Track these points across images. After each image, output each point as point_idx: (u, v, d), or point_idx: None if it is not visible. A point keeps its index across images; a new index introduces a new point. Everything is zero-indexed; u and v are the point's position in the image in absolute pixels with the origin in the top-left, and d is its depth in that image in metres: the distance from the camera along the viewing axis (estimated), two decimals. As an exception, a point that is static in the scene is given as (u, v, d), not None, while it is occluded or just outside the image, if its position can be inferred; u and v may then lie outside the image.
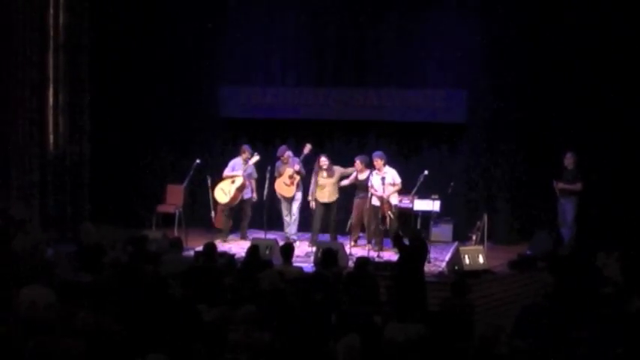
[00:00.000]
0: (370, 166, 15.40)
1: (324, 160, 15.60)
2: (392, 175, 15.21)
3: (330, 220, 15.83)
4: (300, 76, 17.67)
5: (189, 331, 7.43)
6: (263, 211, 16.07)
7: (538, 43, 16.09)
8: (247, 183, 16.14)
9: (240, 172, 15.99)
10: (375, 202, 15.16)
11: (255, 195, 16.38)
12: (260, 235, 15.91)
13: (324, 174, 15.58)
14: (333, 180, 15.64)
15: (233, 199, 16.08)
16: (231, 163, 16.25)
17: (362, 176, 15.49)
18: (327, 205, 15.79)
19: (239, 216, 16.49)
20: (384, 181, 14.99)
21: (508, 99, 16.44)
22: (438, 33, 16.83)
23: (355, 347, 6.62)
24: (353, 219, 15.55)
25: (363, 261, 11.81)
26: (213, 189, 16.15)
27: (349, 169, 15.66)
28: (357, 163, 15.47)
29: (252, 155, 16.05)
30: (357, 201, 15.66)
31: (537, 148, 16.25)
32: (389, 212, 14.93)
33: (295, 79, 17.69)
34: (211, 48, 17.83)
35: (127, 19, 17.86)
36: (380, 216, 15.00)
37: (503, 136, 16.61)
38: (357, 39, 17.12)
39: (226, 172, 16.14)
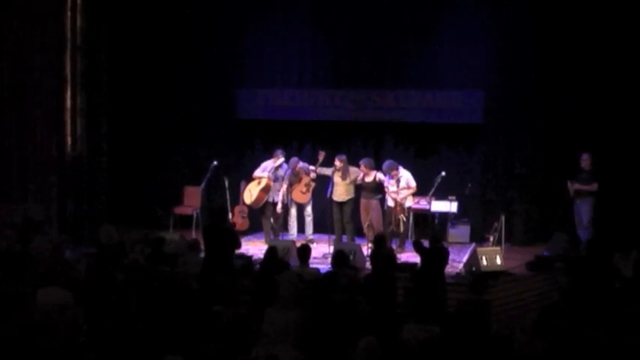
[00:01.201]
0: (375, 168, 15.49)
1: (337, 162, 15.65)
2: (406, 177, 15.26)
3: (344, 220, 15.83)
4: (317, 77, 17.66)
5: (206, 332, 7.44)
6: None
7: (554, 44, 16.04)
8: (277, 186, 16.15)
9: (266, 174, 16.02)
10: (390, 203, 15.18)
11: (286, 199, 16.29)
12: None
13: (339, 174, 15.61)
14: (347, 181, 15.66)
15: (257, 200, 16.12)
16: (263, 164, 16.33)
17: (368, 179, 15.53)
18: (340, 205, 15.81)
19: (268, 219, 16.43)
20: (398, 184, 15.02)
21: (524, 100, 16.39)
22: (454, 34, 16.81)
23: (374, 349, 6.62)
24: (368, 221, 15.54)
25: (380, 237, 12.16)
26: (231, 190, 16.21)
27: (360, 174, 15.67)
28: (362, 167, 15.51)
29: (279, 161, 16.17)
30: (363, 202, 15.70)
31: (554, 148, 16.20)
32: (401, 215, 14.94)
33: (312, 81, 17.68)
34: (228, 50, 17.84)
35: (144, 21, 17.92)
36: (392, 218, 15.02)
37: (519, 137, 16.57)
38: (374, 40, 17.10)
39: (256, 172, 16.22)
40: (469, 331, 8.31)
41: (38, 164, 16.32)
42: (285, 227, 16.44)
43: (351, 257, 13.36)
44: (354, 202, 15.84)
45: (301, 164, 16.04)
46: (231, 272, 11.09)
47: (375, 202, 15.35)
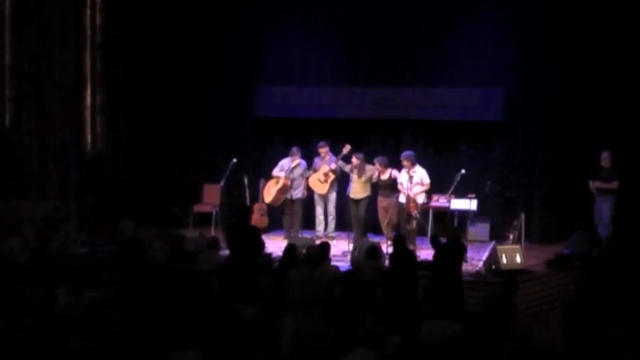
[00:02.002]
0: (391, 165, 15.51)
1: (354, 159, 15.69)
2: (421, 174, 15.25)
3: (360, 217, 15.84)
4: (336, 75, 17.64)
5: (226, 328, 7.43)
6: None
7: (574, 41, 15.97)
8: (296, 184, 16.21)
9: (283, 174, 16.06)
10: (402, 199, 15.19)
11: (305, 193, 16.44)
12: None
13: (355, 171, 15.62)
14: (362, 179, 15.67)
15: (275, 199, 16.25)
16: (281, 162, 16.38)
17: (383, 177, 15.56)
18: (356, 202, 15.82)
19: (290, 215, 16.49)
20: (411, 180, 15.01)
21: (544, 97, 16.34)
22: (473, 31, 16.78)
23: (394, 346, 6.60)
24: (388, 219, 15.53)
25: (400, 237, 12.24)
26: (250, 188, 16.24)
27: (376, 172, 15.69)
28: (377, 164, 15.55)
29: (297, 159, 16.21)
30: (381, 200, 15.71)
31: (574, 146, 16.13)
32: (414, 211, 14.93)
33: (331, 79, 17.68)
34: (248, 48, 17.83)
35: (164, 19, 17.93)
36: (405, 214, 15.03)
37: (539, 134, 16.51)
38: (393, 38, 17.06)
39: (274, 171, 16.27)
40: (493, 330, 8.29)
41: (58, 162, 16.37)
42: (308, 224, 16.55)
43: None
44: (371, 200, 15.85)
45: (328, 150, 16.16)
46: (253, 270, 11.09)
47: (394, 201, 15.33)
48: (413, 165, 15.20)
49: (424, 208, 15.68)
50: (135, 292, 8.73)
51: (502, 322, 8.68)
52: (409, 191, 15.00)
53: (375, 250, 12.28)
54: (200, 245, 12.83)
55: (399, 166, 15.40)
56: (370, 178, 15.64)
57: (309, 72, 17.79)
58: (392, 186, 15.43)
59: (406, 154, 15.34)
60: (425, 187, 15.29)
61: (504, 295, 10.20)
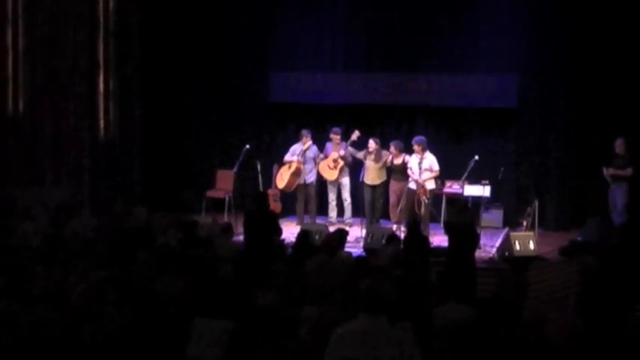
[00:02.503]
0: (405, 151, 15.52)
1: (371, 144, 15.65)
2: (430, 160, 15.22)
3: (376, 203, 15.84)
4: (350, 61, 17.62)
5: (241, 314, 7.43)
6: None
7: (589, 27, 15.90)
8: (308, 167, 16.20)
9: (296, 158, 16.04)
10: (412, 185, 15.21)
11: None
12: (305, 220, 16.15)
13: (372, 157, 15.60)
14: (379, 164, 15.67)
15: (288, 184, 16.19)
16: (292, 148, 16.35)
17: (397, 161, 15.58)
18: (372, 188, 15.82)
19: (304, 201, 16.50)
20: (420, 166, 15.02)
21: (558, 84, 16.31)
22: (488, 17, 16.75)
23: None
24: (401, 205, 15.54)
25: (414, 222, 12.26)
26: (263, 174, 16.25)
27: (389, 156, 15.69)
28: (392, 148, 15.56)
29: (307, 142, 16.19)
30: (393, 184, 15.72)
31: (588, 133, 16.08)
32: (424, 197, 14.94)
33: (345, 65, 17.66)
34: (261, 33, 17.80)
35: (176, 4, 17.92)
36: (416, 200, 15.03)
37: (553, 121, 16.49)
38: (407, 24, 17.05)
39: (286, 157, 16.26)
40: (505, 315, 8.27)
41: (71, 148, 16.41)
42: (321, 210, 16.60)
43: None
44: (386, 185, 15.84)
45: (342, 142, 16.12)
46: (269, 257, 11.10)
47: (405, 186, 15.35)
48: (423, 151, 15.19)
49: (437, 195, 15.70)
50: (144, 283, 8.72)
51: (514, 306, 8.66)
52: (419, 177, 15.02)
53: (395, 236, 12.36)
54: (213, 231, 12.81)
55: (410, 152, 15.39)
56: (385, 163, 15.65)
57: (322, 58, 17.77)
58: (404, 171, 15.44)
59: (418, 139, 15.34)
60: (434, 174, 15.26)
61: (515, 276, 10.28)
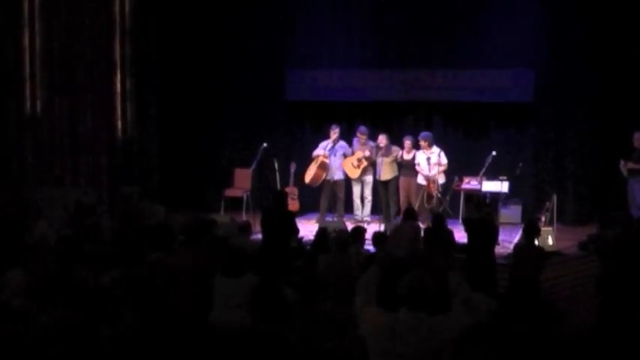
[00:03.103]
0: (417, 146, 15.60)
1: (381, 139, 15.75)
2: (438, 155, 15.30)
3: (389, 200, 15.87)
4: (366, 58, 17.55)
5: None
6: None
7: (605, 20, 15.82)
8: (337, 163, 16.16)
9: (322, 152, 16.04)
10: (421, 180, 15.31)
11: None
12: (329, 218, 16.09)
13: (382, 152, 15.69)
14: (389, 159, 15.78)
15: (315, 178, 16.13)
16: (321, 144, 16.32)
17: (408, 156, 15.69)
18: (384, 184, 15.96)
19: (331, 198, 16.38)
20: (429, 161, 15.11)
21: (576, 78, 16.23)
22: (503, 11, 16.66)
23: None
24: (402, 199, 15.62)
25: (438, 216, 12.25)
26: (281, 172, 16.28)
27: (400, 152, 15.83)
28: (407, 143, 15.66)
29: (336, 136, 16.17)
30: (403, 180, 15.86)
31: (606, 127, 16.01)
32: (435, 192, 14.96)
33: (360, 62, 17.58)
34: (277, 31, 17.79)
35: (192, 3, 17.92)
36: (425, 194, 15.06)
37: (571, 116, 16.41)
38: (422, 19, 16.98)
39: (315, 152, 16.25)
40: (520, 313, 8.26)
41: (89, 148, 16.47)
42: (346, 208, 16.59)
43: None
44: (397, 180, 15.93)
45: (369, 142, 16.13)
46: (288, 254, 11.11)
47: (414, 181, 15.44)
48: (430, 146, 15.37)
49: (455, 191, 15.72)
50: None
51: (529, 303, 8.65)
52: (429, 172, 15.05)
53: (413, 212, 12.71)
54: (231, 230, 12.81)
55: (418, 148, 15.48)
56: (395, 158, 15.73)
57: (338, 55, 17.72)
58: (413, 167, 15.56)
59: (424, 135, 15.52)
60: (443, 167, 15.42)
61: (527, 241, 10.94)
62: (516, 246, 11.88)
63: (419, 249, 11.03)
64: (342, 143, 16.25)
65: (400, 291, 6.00)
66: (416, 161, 15.48)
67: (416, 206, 14.85)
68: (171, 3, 17.78)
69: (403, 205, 15.47)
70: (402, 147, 15.83)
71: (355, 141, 16.26)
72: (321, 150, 16.14)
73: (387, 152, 15.74)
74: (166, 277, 8.36)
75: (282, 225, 11.67)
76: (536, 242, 11.90)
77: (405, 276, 6.10)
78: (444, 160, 15.37)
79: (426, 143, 15.31)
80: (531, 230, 11.24)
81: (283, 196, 12.49)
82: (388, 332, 5.93)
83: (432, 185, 15.10)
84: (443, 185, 15.39)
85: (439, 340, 5.86)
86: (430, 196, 15.09)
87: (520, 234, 14.43)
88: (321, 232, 11.77)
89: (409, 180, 15.66)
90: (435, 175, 15.19)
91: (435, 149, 15.37)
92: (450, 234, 11.71)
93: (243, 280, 7.87)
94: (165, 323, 6.89)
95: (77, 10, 16.25)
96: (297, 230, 12.02)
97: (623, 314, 8.03)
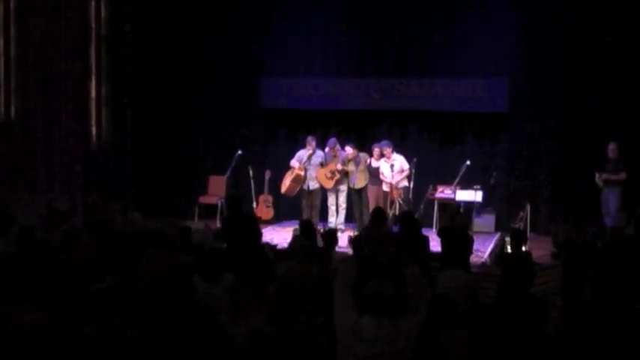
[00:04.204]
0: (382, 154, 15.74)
1: (349, 150, 15.93)
2: (400, 161, 15.57)
3: (363, 208, 15.95)
4: (341, 66, 17.61)
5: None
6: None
7: (580, 31, 15.93)
8: (313, 174, 16.16)
9: (297, 165, 16.06)
10: (385, 188, 15.46)
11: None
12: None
13: (352, 163, 15.81)
14: (361, 167, 15.91)
15: (289, 189, 16.18)
16: (298, 153, 16.33)
17: (376, 164, 15.80)
18: (358, 192, 16.10)
19: (308, 207, 16.41)
20: (392, 168, 15.29)
21: (550, 88, 16.32)
22: (479, 22, 16.74)
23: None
24: (371, 207, 15.71)
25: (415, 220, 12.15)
26: (255, 179, 16.29)
27: (368, 159, 15.99)
28: (376, 151, 15.79)
29: (312, 148, 16.17)
30: (371, 188, 15.94)
31: (580, 137, 16.10)
32: (398, 199, 15.05)
33: (336, 70, 17.64)
34: (253, 39, 17.80)
35: (168, 10, 17.92)
36: (388, 201, 15.22)
37: (545, 125, 16.49)
38: (398, 28, 17.05)
39: (291, 162, 16.22)
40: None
41: (63, 154, 16.40)
42: (321, 216, 16.58)
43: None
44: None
45: (339, 147, 16.18)
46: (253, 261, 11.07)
47: (381, 190, 15.71)
48: (392, 152, 15.49)
49: (429, 200, 15.79)
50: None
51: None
52: (392, 180, 15.25)
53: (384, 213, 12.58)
54: (206, 237, 12.78)
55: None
56: (365, 165, 15.94)
57: (314, 63, 17.78)
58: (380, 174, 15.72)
59: (386, 143, 15.66)
60: (405, 173, 15.61)
61: (515, 250, 11.04)
62: (501, 255, 11.80)
63: (391, 252, 10.99)
64: (318, 152, 16.27)
65: (363, 297, 6.10)
66: (380, 170, 15.61)
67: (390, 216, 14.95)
68: (147, 10, 17.76)
69: (368, 211, 15.54)
70: (370, 154, 15.92)
71: (327, 152, 16.29)
72: (296, 162, 16.13)
73: (356, 161, 15.84)
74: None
75: (244, 230, 11.61)
76: (524, 248, 12.05)
77: (369, 282, 6.19)
78: (406, 166, 15.56)
79: (390, 149, 15.45)
80: (518, 238, 11.29)
81: (237, 202, 12.45)
82: (353, 336, 6.05)
83: (395, 192, 15.19)
84: (406, 189, 15.50)
85: (402, 341, 5.99)
86: (392, 202, 15.16)
87: (494, 243, 14.52)
88: (331, 233, 11.60)
89: (377, 188, 15.77)
90: (399, 181, 15.32)
91: (397, 156, 15.53)
92: (425, 240, 11.70)
93: (222, 282, 7.87)
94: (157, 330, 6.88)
95: (53, 15, 16.19)
96: (259, 234, 11.99)
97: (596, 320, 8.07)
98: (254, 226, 11.98)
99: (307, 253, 9.44)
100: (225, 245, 12.04)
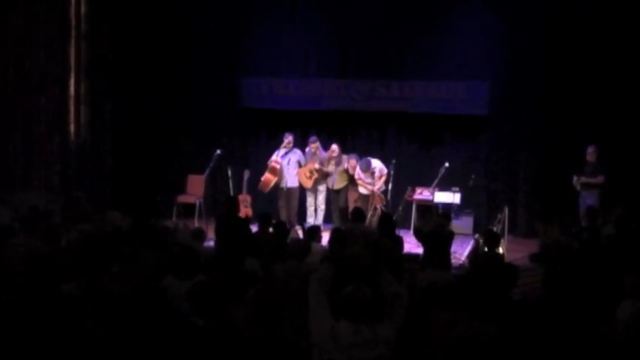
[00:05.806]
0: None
1: (334, 148, 16.02)
2: (379, 168, 15.74)
3: (340, 207, 16.00)
4: (322, 67, 17.63)
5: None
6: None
7: (560, 35, 16.01)
8: (292, 172, 16.24)
9: (274, 157, 16.10)
10: (363, 190, 15.68)
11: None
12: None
13: (333, 162, 15.92)
14: (340, 168, 16.04)
15: (264, 182, 16.18)
16: (276, 152, 16.36)
17: (352, 172, 15.98)
18: (336, 192, 16.26)
19: (286, 207, 16.43)
20: (373, 175, 15.52)
21: (530, 91, 16.38)
22: (459, 25, 16.81)
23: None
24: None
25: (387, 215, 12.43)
26: (234, 179, 16.26)
27: (345, 163, 16.15)
28: (352, 162, 16.02)
29: (289, 143, 16.24)
30: (350, 192, 16.14)
31: (559, 140, 16.18)
32: (380, 205, 15.20)
33: (317, 71, 17.66)
34: (233, 39, 17.78)
35: (149, 9, 17.88)
36: (372, 206, 15.32)
37: (524, 129, 16.56)
38: (379, 30, 17.08)
39: (270, 159, 16.27)
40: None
41: (42, 152, 16.38)
42: (299, 216, 16.64)
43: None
44: (347, 189, 16.20)
45: (319, 145, 16.32)
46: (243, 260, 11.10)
47: (360, 193, 15.86)
48: (370, 167, 15.67)
49: (407, 201, 15.83)
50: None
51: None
52: (374, 187, 15.45)
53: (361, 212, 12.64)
54: (184, 236, 12.76)
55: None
56: (344, 168, 16.05)
57: (295, 64, 17.77)
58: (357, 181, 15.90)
59: (364, 164, 15.73)
60: (384, 177, 15.73)
61: (489, 250, 11.05)
62: (475, 256, 11.86)
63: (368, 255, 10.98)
64: (295, 150, 16.31)
65: (341, 302, 6.08)
66: (356, 176, 15.75)
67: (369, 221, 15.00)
68: (126, 8, 17.70)
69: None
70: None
71: (307, 150, 16.33)
72: (274, 156, 16.16)
73: (338, 161, 15.88)
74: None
75: (236, 231, 11.66)
76: (501, 250, 12.10)
77: (347, 286, 6.15)
78: (385, 170, 15.69)
79: (353, 162, 15.88)
80: (492, 239, 11.39)
81: (235, 202, 12.49)
82: (331, 341, 5.99)
83: (377, 198, 15.25)
84: (384, 192, 15.61)
85: (381, 347, 5.96)
86: (375, 209, 15.20)
87: (471, 245, 14.55)
88: (337, 233, 11.57)
89: (357, 192, 15.88)
90: (379, 187, 15.42)
91: (375, 162, 15.67)
92: (399, 240, 11.70)
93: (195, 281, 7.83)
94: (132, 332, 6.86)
95: (32, 12, 16.14)
96: (251, 234, 12.04)
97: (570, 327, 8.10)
98: (246, 227, 12.04)
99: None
100: (214, 242, 12.12)
